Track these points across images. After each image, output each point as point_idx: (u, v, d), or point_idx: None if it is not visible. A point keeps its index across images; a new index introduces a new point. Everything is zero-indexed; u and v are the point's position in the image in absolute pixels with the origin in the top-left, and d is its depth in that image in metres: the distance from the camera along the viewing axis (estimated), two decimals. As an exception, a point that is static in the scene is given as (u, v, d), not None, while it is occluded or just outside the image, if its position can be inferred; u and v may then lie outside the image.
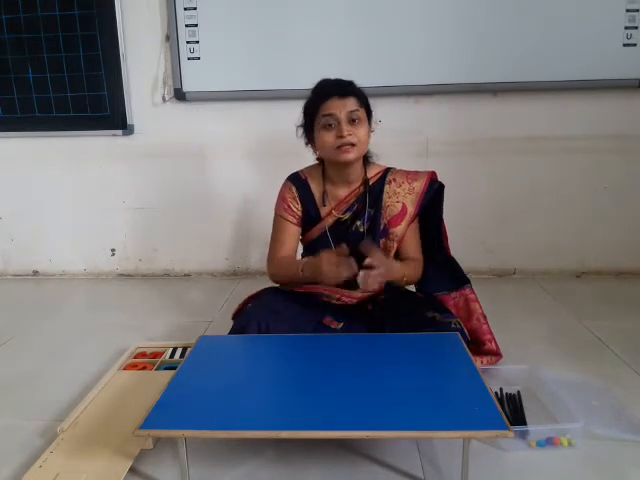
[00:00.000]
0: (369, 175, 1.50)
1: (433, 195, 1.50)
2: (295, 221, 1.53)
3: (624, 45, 2.16)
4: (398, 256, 1.52)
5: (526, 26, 2.17)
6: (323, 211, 1.51)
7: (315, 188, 1.52)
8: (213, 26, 2.26)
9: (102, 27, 2.29)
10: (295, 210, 1.52)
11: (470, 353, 1.21)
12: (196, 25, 2.26)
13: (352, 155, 1.37)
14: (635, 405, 1.29)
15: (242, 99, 2.35)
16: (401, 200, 1.48)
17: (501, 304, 2.05)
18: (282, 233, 1.53)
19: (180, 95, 2.35)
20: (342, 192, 1.50)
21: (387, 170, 1.52)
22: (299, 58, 2.26)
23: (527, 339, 1.71)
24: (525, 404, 1.26)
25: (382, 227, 1.48)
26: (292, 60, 2.26)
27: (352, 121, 1.36)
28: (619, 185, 2.35)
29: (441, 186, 1.52)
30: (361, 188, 1.49)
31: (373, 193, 1.48)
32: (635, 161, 2.32)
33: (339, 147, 1.36)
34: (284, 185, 1.55)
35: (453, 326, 1.33)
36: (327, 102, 1.36)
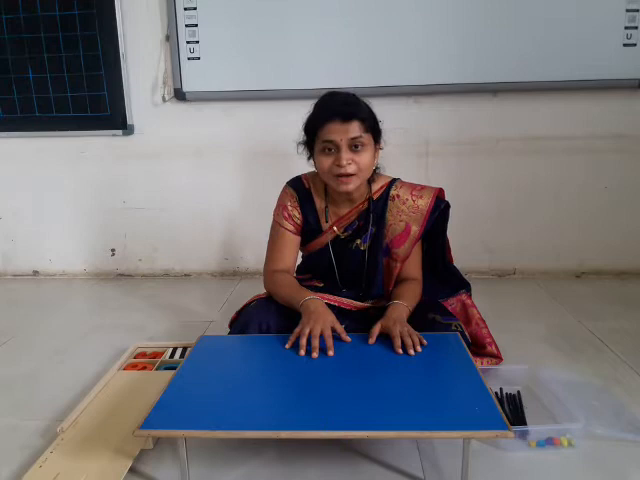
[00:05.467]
0: (373, 189, 1.42)
1: (439, 215, 1.42)
2: (295, 230, 1.45)
3: (624, 45, 2.16)
4: (398, 277, 1.46)
5: (526, 26, 2.17)
6: (323, 225, 1.45)
7: (318, 200, 1.44)
8: (213, 26, 2.26)
9: (102, 27, 2.29)
10: (295, 219, 1.44)
11: (470, 353, 1.21)
12: (196, 25, 2.26)
13: (352, 186, 1.30)
14: (635, 405, 1.29)
15: (242, 99, 2.35)
16: (405, 219, 1.40)
17: (501, 304, 2.05)
18: (280, 243, 1.45)
19: (180, 95, 2.35)
20: (344, 209, 1.43)
21: (391, 183, 1.43)
22: (299, 58, 2.26)
23: (527, 339, 1.72)
24: (525, 404, 1.27)
25: (384, 246, 1.42)
26: (292, 60, 2.26)
27: (354, 147, 1.26)
28: (619, 185, 2.35)
29: (447, 206, 1.43)
30: (364, 204, 1.42)
31: (376, 210, 1.41)
32: (635, 161, 2.32)
33: (337, 175, 1.28)
34: (285, 191, 1.47)
35: (454, 328, 1.33)
36: (328, 125, 1.25)
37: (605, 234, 2.40)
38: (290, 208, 1.45)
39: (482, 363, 1.45)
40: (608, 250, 2.41)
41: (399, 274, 1.45)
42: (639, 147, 2.30)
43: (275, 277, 1.43)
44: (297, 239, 1.48)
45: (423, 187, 1.44)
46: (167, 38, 2.32)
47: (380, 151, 1.38)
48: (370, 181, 1.42)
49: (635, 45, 2.16)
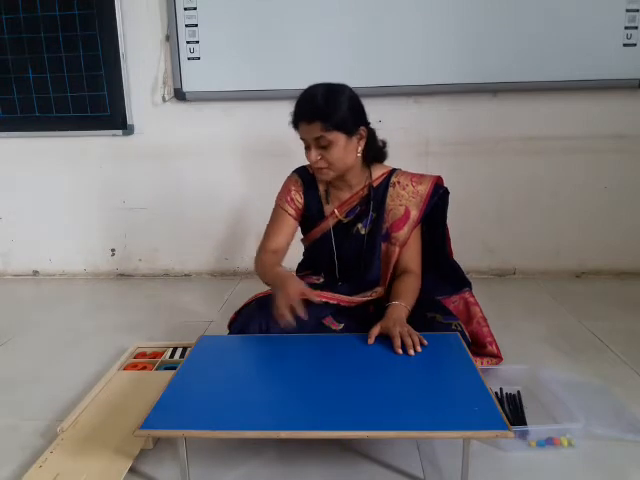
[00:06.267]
0: (374, 177, 1.46)
1: (438, 201, 1.46)
2: (294, 214, 1.50)
3: (624, 45, 2.16)
4: (396, 266, 1.47)
5: (526, 26, 2.17)
6: (326, 210, 1.49)
7: (320, 186, 1.50)
8: (213, 26, 2.26)
9: (102, 27, 2.29)
10: (297, 203, 1.49)
11: (470, 353, 1.21)
12: (196, 25, 2.26)
13: (328, 176, 1.37)
14: (635, 405, 1.29)
15: (242, 99, 2.35)
16: (404, 203, 1.44)
17: (501, 304, 2.05)
18: (278, 224, 1.50)
19: (180, 95, 2.35)
20: (345, 194, 1.47)
21: (392, 172, 1.48)
22: (299, 58, 2.26)
23: (527, 339, 1.72)
24: (525, 404, 1.27)
25: (384, 231, 1.45)
26: (292, 60, 2.26)
27: (322, 145, 1.31)
28: (619, 185, 2.35)
29: (446, 192, 1.47)
30: (364, 190, 1.46)
31: (376, 196, 1.45)
32: (635, 161, 2.32)
33: (315, 167, 1.36)
34: (289, 178, 1.53)
35: (453, 327, 1.33)
36: (299, 124, 1.32)
37: (605, 234, 2.40)
38: (293, 192, 1.50)
39: (482, 363, 1.45)
40: (608, 250, 2.41)
41: (398, 264, 1.46)
42: (639, 147, 2.30)
43: (262, 257, 1.47)
44: (295, 224, 1.52)
45: (423, 175, 1.50)
46: (167, 38, 2.32)
47: (362, 141, 1.38)
48: (369, 166, 1.46)
49: (635, 45, 2.16)
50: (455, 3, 2.17)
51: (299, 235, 1.59)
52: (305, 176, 1.51)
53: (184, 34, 2.28)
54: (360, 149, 1.38)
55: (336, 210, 1.47)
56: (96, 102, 2.37)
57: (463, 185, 2.36)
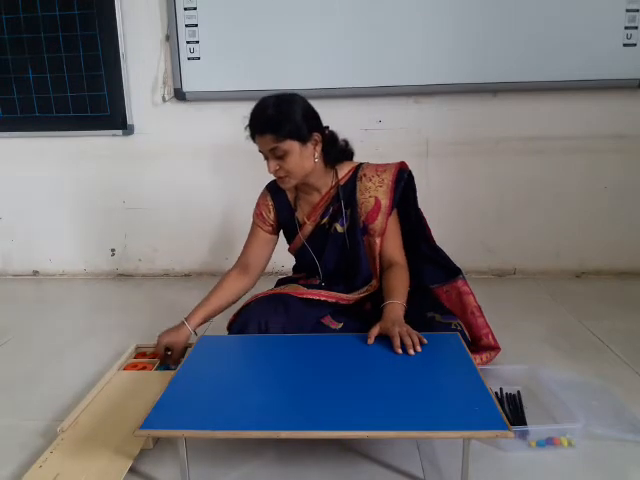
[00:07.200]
0: (340, 175, 1.47)
1: (405, 185, 1.46)
2: (266, 228, 1.54)
3: (624, 45, 2.16)
4: (381, 258, 1.48)
5: (526, 26, 2.17)
6: (298, 217, 1.50)
7: (290, 195, 1.52)
8: (213, 26, 2.26)
9: (102, 27, 2.29)
10: (266, 218, 1.54)
11: (470, 353, 1.21)
12: (196, 25, 2.26)
13: (288, 184, 1.40)
14: (635, 405, 1.29)
15: (242, 99, 2.34)
16: (373, 194, 1.44)
17: (501, 304, 2.05)
18: (249, 240, 1.58)
19: (180, 95, 2.35)
20: (315, 198, 1.48)
21: (358, 167, 1.49)
22: (299, 58, 2.25)
23: (527, 339, 1.71)
24: (525, 404, 1.27)
25: (362, 225, 1.45)
26: (292, 60, 2.26)
27: (278, 155, 1.33)
28: (618, 185, 2.35)
29: (410, 175, 1.48)
30: (333, 190, 1.47)
31: (346, 193, 1.46)
32: (635, 161, 2.32)
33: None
34: (261, 192, 1.57)
35: (453, 327, 1.33)
36: (255, 137, 1.36)
37: (605, 234, 2.40)
38: (263, 206, 1.55)
39: (482, 359, 1.44)
40: (608, 250, 2.41)
41: (382, 257, 1.47)
42: (639, 147, 2.30)
43: (227, 272, 1.58)
44: (271, 238, 1.57)
45: (387, 163, 1.50)
46: (167, 38, 2.32)
47: (318, 146, 1.38)
48: (336, 167, 1.47)
49: (635, 45, 2.16)
50: (455, 3, 2.17)
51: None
52: (274, 191, 1.53)
53: (184, 34, 2.28)
54: (317, 154, 1.39)
55: (311, 217, 1.48)
56: (96, 102, 2.38)
57: (463, 185, 2.36)
